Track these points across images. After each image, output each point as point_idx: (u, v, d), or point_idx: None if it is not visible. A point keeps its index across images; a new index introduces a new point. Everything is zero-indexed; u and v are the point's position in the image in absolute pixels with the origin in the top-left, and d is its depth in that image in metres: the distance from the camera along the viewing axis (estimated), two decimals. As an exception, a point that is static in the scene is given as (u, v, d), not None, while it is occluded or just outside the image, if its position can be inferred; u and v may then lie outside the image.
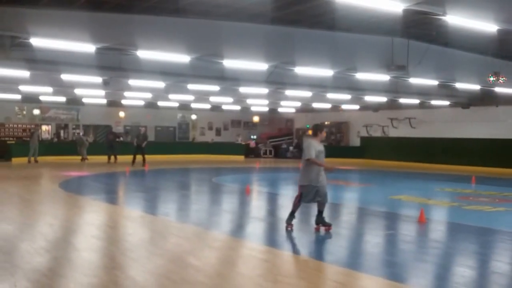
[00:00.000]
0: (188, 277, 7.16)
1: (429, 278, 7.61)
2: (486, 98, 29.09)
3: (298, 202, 10.58)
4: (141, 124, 37.74)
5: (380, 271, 7.81)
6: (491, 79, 20.46)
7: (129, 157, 28.49)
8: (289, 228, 10.58)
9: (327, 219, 10.77)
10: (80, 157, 32.08)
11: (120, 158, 30.73)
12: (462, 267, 8.39)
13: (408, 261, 8.70)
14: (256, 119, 46.71)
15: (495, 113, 30.55)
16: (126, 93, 30.63)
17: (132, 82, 24.01)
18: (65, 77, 22.10)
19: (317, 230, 10.59)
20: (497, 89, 25.10)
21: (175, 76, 21.92)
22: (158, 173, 25.92)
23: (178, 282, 6.84)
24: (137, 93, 30.43)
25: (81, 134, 35.08)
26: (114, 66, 18.91)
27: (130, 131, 38.55)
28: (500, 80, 20.57)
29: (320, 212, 10.59)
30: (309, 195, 10.44)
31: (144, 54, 16.29)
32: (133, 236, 10.35)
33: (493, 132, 30.34)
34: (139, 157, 27.96)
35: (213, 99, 34.66)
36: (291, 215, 10.65)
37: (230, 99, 34.65)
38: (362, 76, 21.35)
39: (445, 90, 26.44)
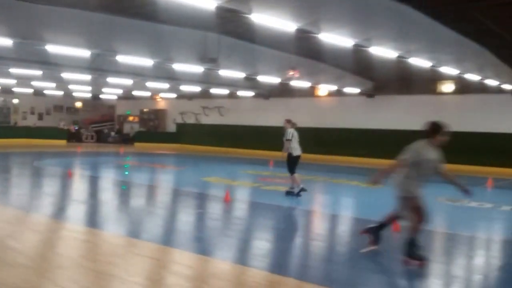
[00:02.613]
0: (9, 259, 6.72)
1: (233, 251, 7.82)
2: (283, 90, 30.70)
3: (420, 221, 7.09)
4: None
5: (190, 246, 7.90)
6: (290, 73, 21.68)
7: None
8: (419, 265, 6.93)
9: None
10: None
11: None
12: (261, 240, 8.81)
13: (214, 236, 8.85)
14: (78, 104, 44.79)
15: (291, 104, 32.20)
16: None
17: None
18: None
19: (407, 264, 7.01)
20: (293, 83, 26.54)
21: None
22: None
23: (-1, 265, 6.41)
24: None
25: None
26: None
27: None
28: (295, 75, 21.83)
29: (412, 240, 7.06)
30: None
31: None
32: None
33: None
34: None
35: (35, 83, 32.65)
36: (413, 245, 7.02)
37: (53, 84, 32.89)
38: (178, 66, 21.46)
39: (250, 82, 27.51)
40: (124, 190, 13.71)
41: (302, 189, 13.34)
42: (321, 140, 30.18)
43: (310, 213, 12.06)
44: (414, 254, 6.97)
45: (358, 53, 17.92)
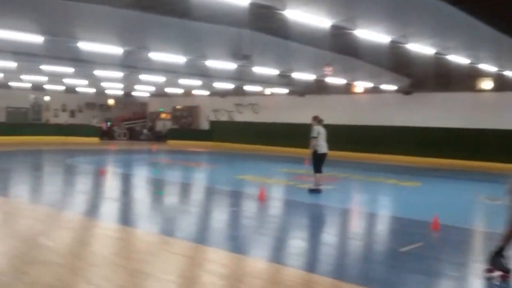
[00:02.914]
0: (41, 257, 6.80)
1: (268, 250, 7.84)
2: (319, 88, 30.56)
3: None
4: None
5: (225, 245, 7.94)
6: (325, 70, 21.55)
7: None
8: (502, 277, 6.49)
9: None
10: None
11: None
12: (296, 239, 8.79)
13: (249, 235, 8.92)
14: (111, 102, 45.24)
15: (326, 101, 32.16)
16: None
17: (-20, 61, 22.26)
18: None
19: (490, 272, 6.60)
20: (328, 80, 26.42)
21: (28, 56, 20.65)
22: (8, 154, 24.26)
23: (31, 263, 6.51)
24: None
25: None
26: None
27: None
28: (328, 72, 21.68)
29: (501, 249, 6.54)
30: None
31: (-6, 32, 15.06)
32: (-19, 218, 9.59)
33: (326, 118, 31.87)
34: None
35: (67, 81, 33.16)
36: (500, 255, 6.53)
37: (85, 82, 33.38)
38: (211, 63, 21.52)
39: (284, 79, 27.44)
40: (160, 195, 13.70)
41: (318, 190, 13.59)
42: (357, 138, 30.16)
43: (347, 211, 12.02)
44: (499, 265, 6.52)
45: (395, 49, 17.76)
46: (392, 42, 15.98)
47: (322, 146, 13.70)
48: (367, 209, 12.48)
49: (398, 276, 6.67)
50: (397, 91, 29.06)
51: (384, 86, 28.15)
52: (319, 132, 13.75)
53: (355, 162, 26.18)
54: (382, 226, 10.59)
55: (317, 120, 14.10)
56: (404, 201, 13.82)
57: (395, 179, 18.24)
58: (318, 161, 13.71)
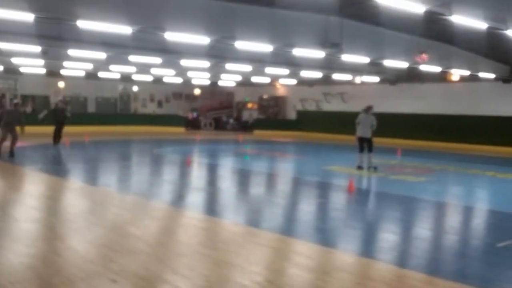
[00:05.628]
0: (129, 246, 7.09)
1: (357, 243, 7.82)
2: (412, 76, 29.84)
3: None
4: (81, 95, 37.01)
5: (312, 237, 7.98)
6: (418, 58, 21.02)
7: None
8: None
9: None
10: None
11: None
12: (387, 232, 8.66)
13: (338, 227, 8.92)
14: (197, 91, 46.14)
15: (420, 90, 31.42)
16: (65, 63, 29.57)
17: (71, 52, 23.15)
18: (2, 45, 21.20)
19: None
20: (422, 67, 25.73)
21: (117, 47, 21.40)
22: (98, 144, 25.36)
23: (119, 251, 6.77)
24: (78, 63, 29.32)
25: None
26: (53, 35, 18.24)
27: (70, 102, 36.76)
28: (424, 57, 21.10)
29: None
30: None
31: (84, 24, 15.58)
32: (73, 207, 10.11)
33: (417, 107, 31.24)
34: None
35: (154, 71, 34.12)
36: None
37: (172, 72, 34.22)
38: (298, 52, 21.46)
39: (375, 67, 26.95)
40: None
41: (359, 167, 16.39)
42: (452, 128, 29.29)
43: (441, 204, 11.75)
44: None
45: (493, 36, 17.11)
46: (490, 28, 15.43)
47: (358, 130, 16.47)
48: (463, 202, 12.22)
49: (495, 273, 6.48)
50: (495, 79, 27.98)
51: (481, 74, 27.18)
52: (359, 118, 16.55)
53: (451, 153, 25.52)
54: (479, 220, 10.34)
55: (364, 109, 16.95)
56: (502, 194, 13.40)
57: (494, 171, 17.76)
58: (358, 142, 16.53)
